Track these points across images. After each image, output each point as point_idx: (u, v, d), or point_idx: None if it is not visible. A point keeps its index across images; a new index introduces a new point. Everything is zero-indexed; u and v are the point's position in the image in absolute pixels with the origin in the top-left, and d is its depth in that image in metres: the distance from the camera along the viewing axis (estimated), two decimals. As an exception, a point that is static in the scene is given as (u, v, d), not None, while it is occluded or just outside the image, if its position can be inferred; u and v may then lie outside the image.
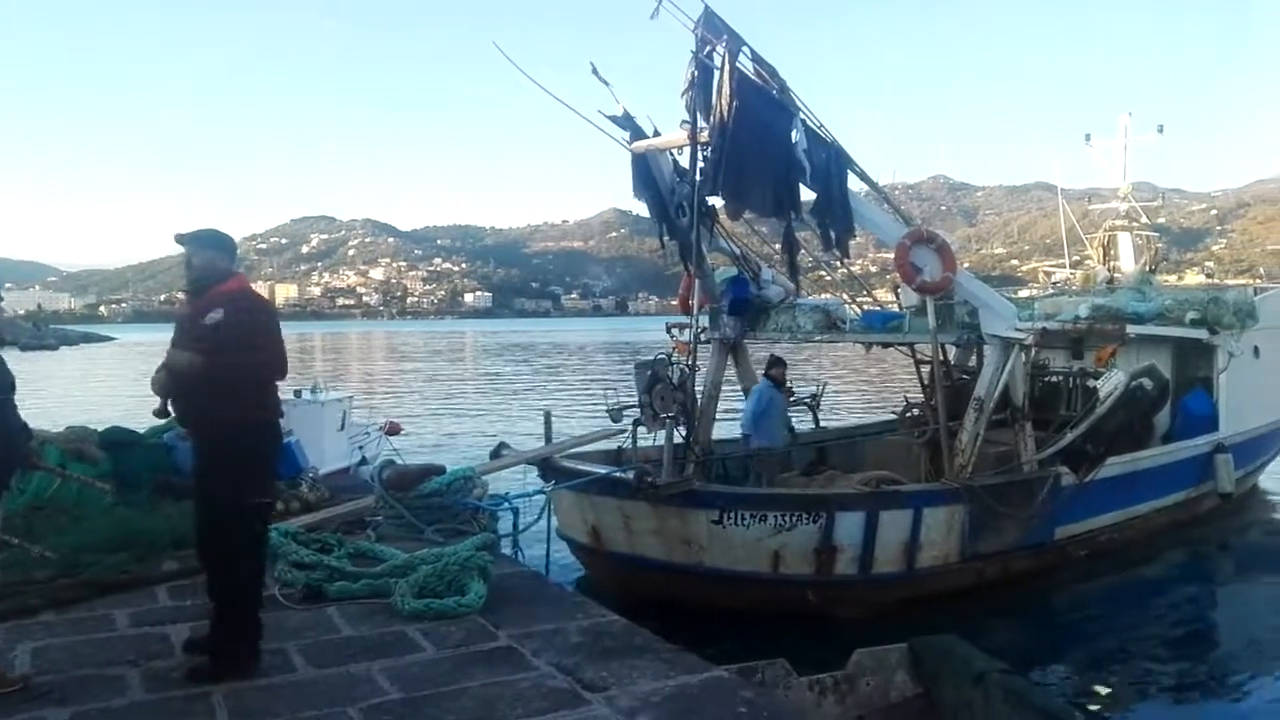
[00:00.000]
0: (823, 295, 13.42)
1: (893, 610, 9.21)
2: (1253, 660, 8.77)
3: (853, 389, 33.62)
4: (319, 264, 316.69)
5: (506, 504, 7.76)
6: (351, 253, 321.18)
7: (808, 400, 13.51)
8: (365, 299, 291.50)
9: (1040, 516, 10.45)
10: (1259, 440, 14.43)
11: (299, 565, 6.06)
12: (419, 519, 7.32)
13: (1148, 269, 16.19)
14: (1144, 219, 17.07)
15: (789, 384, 13.23)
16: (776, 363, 11.82)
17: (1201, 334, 12.84)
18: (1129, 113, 16.97)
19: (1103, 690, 8.05)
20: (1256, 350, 13.78)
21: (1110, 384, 10.98)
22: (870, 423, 15.36)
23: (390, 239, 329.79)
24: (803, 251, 11.38)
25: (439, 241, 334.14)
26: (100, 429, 9.12)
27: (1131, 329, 12.05)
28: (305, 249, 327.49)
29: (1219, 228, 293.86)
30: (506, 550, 7.64)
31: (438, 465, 8.07)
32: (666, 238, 10.61)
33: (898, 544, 9.52)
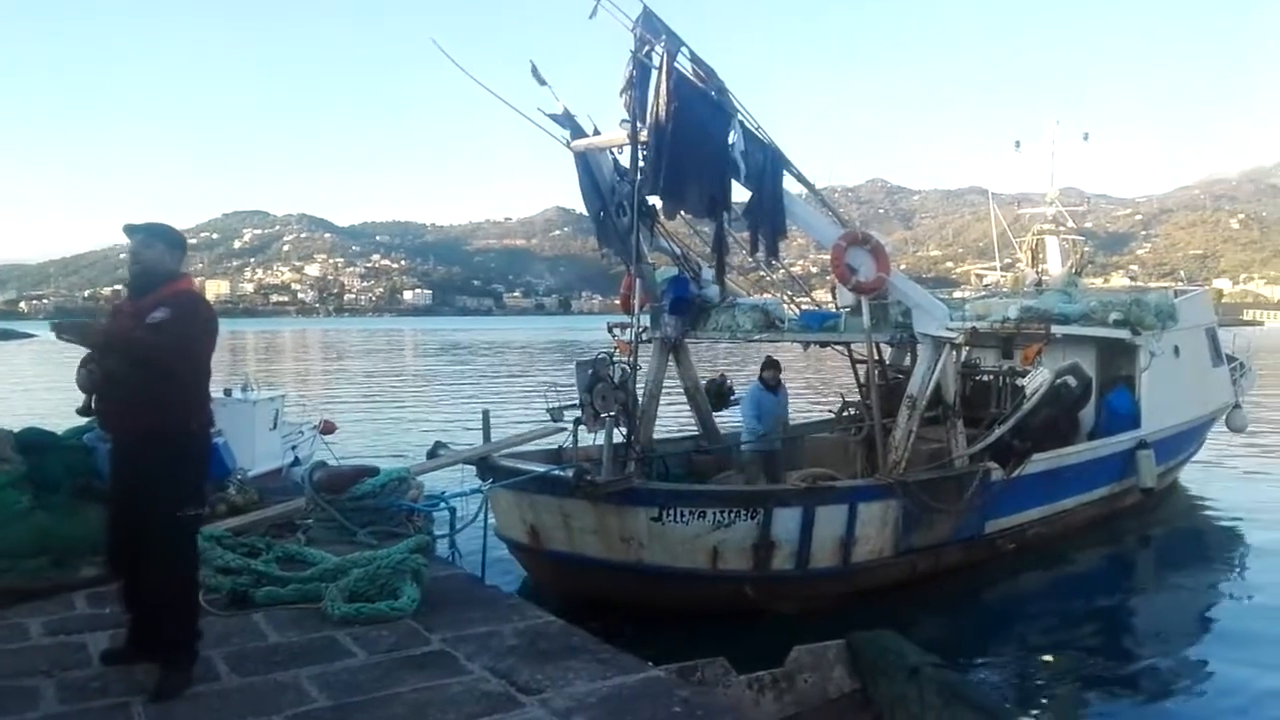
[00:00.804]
0: (762, 295, 13.52)
1: (830, 605, 9.33)
2: (1173, 650, 9.05)
3: (792, 388, 33.91)
4: (252, 260, 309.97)
5: (442, 505, 7.66)
6: (286, 248, 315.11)
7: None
8: (300, 296, 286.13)
9: (970, 511, 10.68)
10: (1179, 437, 14.86)
11: (224, 570, 5.89)
12: (351, 521, 7.17)
13: (1074, 272, 16.63)
14: (1070, 223, 17.53)
15: (729, 383, 13.34)
16: (770, 364, 11.82)
17: (1124, 334, 13.20)
18: (1057, 120, 17.43)
19: (1032, 681, 8.25)
20: (1176, 350, 14.20)
21: (1036, 382, 11.26)
22: (809, 421, 15.51)
23: (327, 235, 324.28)
24: (744, 252, 11.45)
25: (378, 238, 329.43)
26: (16, 429, 8.79)
27: (1057, 329, 12.38)
28: (238, 244, 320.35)
29: (1143, 232, 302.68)
30: (443, 552, 7.56)
31: (371, 466, 7.92)
32: (602, 240, 10.61)
33: (833, 539, 9.64)
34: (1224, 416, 17.00)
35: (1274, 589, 10.71)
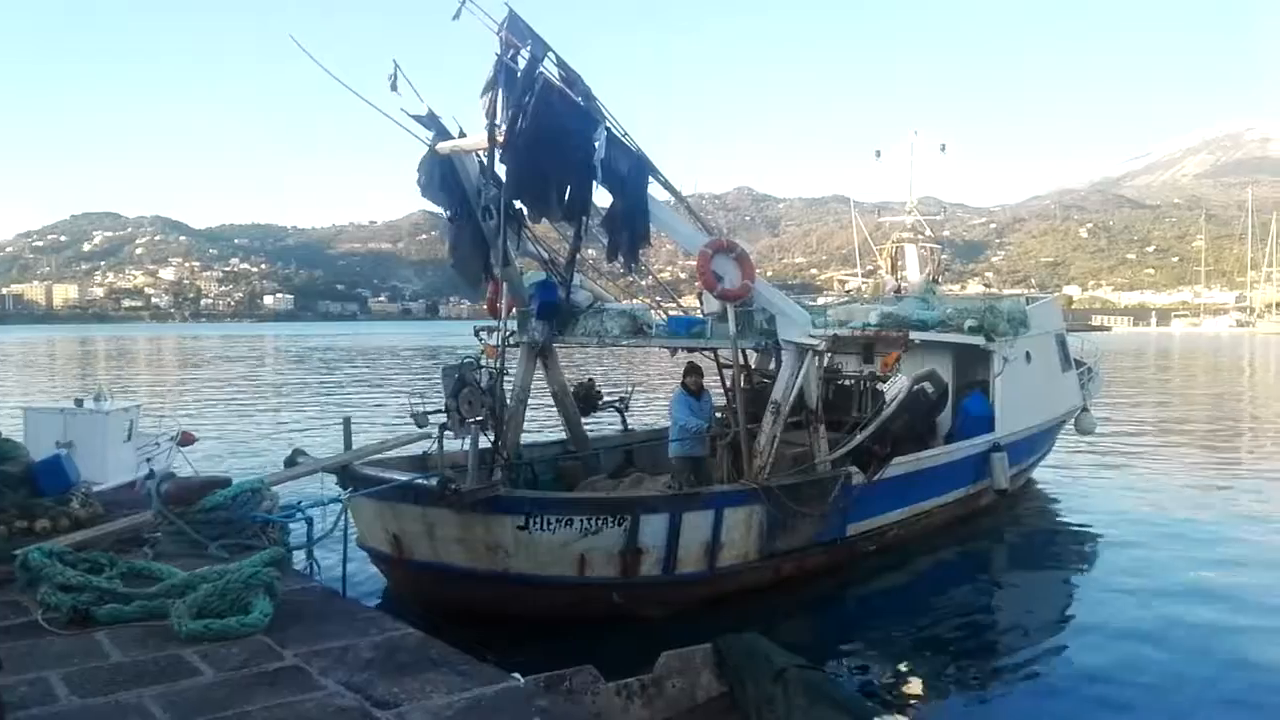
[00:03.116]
0: (631, 301, 13.59)
1: (696, 609, 9.43)
2: (1028, 643, 9.50)
3: (662, 392, 34.25)
4: (102, 263, 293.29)
5: (299, 515, 7.39)
6: (139, 251, 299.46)
7: (616, 404, 13.67)
8: (155, 301, 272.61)
9: (833, 514, 10.96)
10: (1031, 439, 15.60)
11: (64, 587, 5.53)
12: (202, 534, 6.85)
13: (931, 279, 17.29)
14: (928, 232, 18.21)
15: (598, 389, 13.36)
16: (692, 370, 11.76)
17: (979, 340, 13.78)
18: (915, 131, 18.13)
19: (894, 678, 8.52)
20: (1028, 355, 14.90)
21: (895, 388, 11.66)
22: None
23: (182, 237, 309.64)
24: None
25: (236, 241, 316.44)
26: None
27: (915, 335, 12.85)
28: (87, 247, 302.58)
29: (998, 240, 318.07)
30: (301, 565, 7.30)
31: (223, 477, 7.58)
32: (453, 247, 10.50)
33: (700, 544, 9.75)
34: (1073, 420, 17.90)
35: (1119, 582, 11.36)
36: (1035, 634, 9.80)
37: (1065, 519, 15.14)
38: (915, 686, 8.31)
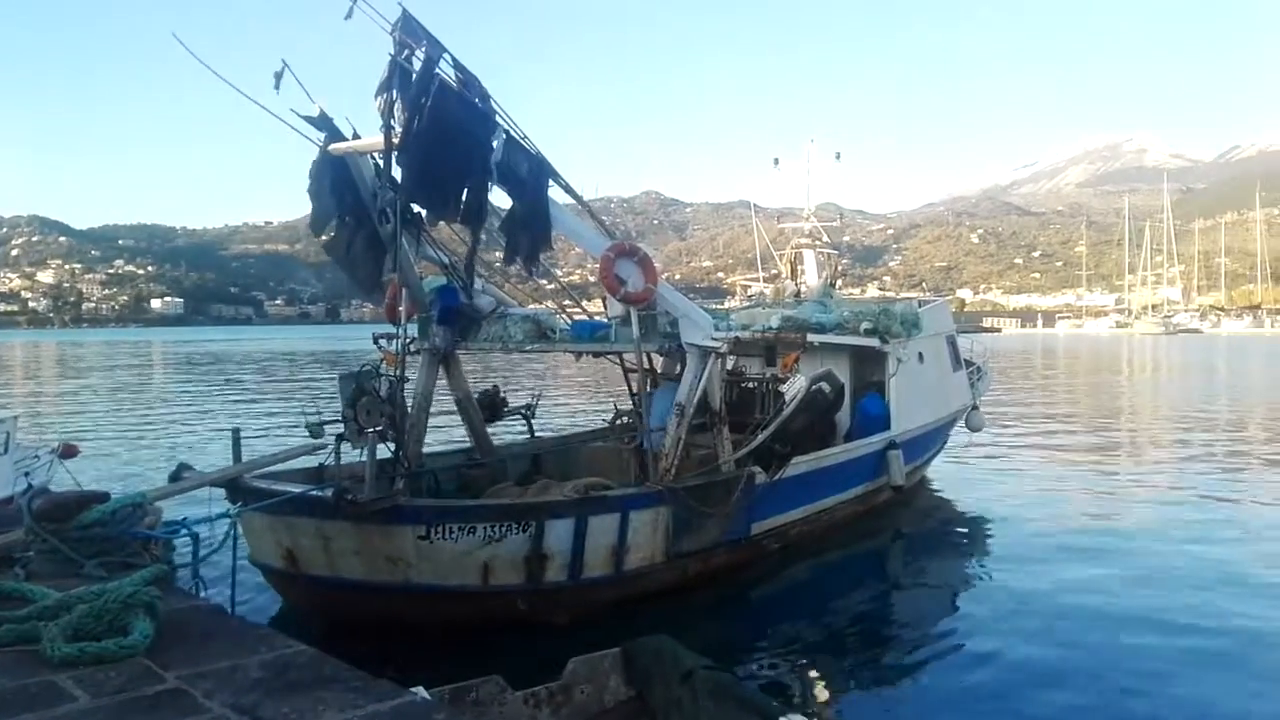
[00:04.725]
0: (534, 305, 13.49)
1: (603, 613, 9.39)
2: (928, 634, 9.71)
3: (570, 397, 34.16)
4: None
5: (184, 531, 7.05)
6: (15, 253, 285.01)
7: (522, 411, 13.52)
8: (32, 305, 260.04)
9: (737, 514, 11.04)
10: (925, 437, 16.03)
11: (-77, 613, 5.17)
12: (78, 553, 6.47)
13: (829, 283, 17.62)
14: (825, 238, 18.55)
15: (503, 395, 13.20)
16: None
17: (874, 342, 14.10)
18: (811, 139, 18.49)
19: (799, 676, 8.62)
20: (921, 356, 15.31)
21: (794, 389, 11.82)
22: (584, 430, 15.60)
23: (62, 238, 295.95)
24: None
25: (121, 242, 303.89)
26: None
27: (813, 338, 13.06)
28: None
29: (895, 246, 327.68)
30: (187, 583, 6.97)
31: (101, 491, 7.19)
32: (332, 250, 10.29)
33: (606, 547, 9.70)
34: (964, 417, 18.46)
35: (1010, 571, 11.75)
36: (933, 627, 10.03)
37: (958, 513, 15.58)
38: (821, 683, 8.42)
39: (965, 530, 14.56)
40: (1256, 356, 71.90)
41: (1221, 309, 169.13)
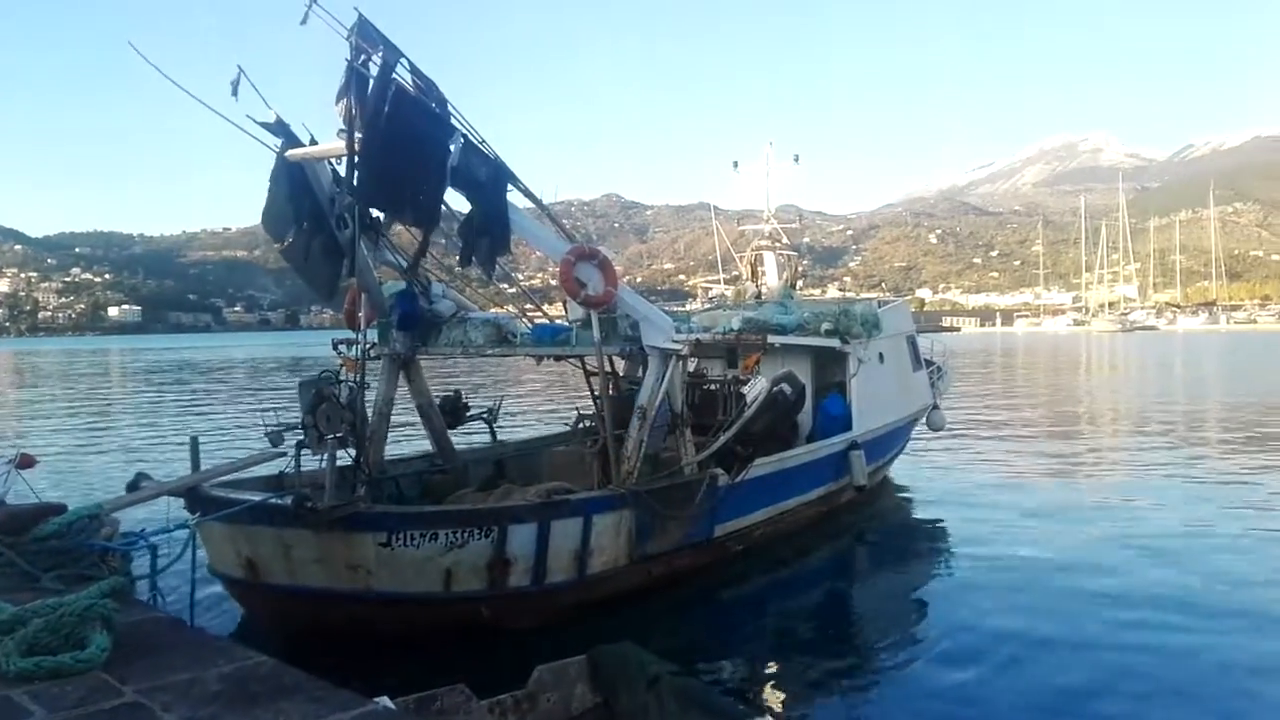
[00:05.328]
0: (495, 310, 13.46)
1: (568, 618, 9.38)
2: (889, 638, 9.76)
3: (533, 401, 34.07)
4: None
5: (142, 542, 6.97)
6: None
7: (484, 415, 13.49)
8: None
9: (700, 516, 11.09)
10: (886, 437, 16.17)
11: (-125, 631, 5.07)
12: (35, 566, 6.39)
13: (789, 285, 17.74)
14: (785, 239, 18.67)
15: (465, 400, 13.15)
16: None
17: (835, 343, 14.21)
18: (770, 142, 18.60)
19: (765, 680, 8.68)
20: (881, 356, 15.45)
21: (755, 390, 11.90)
22: (546, 435, 15.58)
23: (17, 246, 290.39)
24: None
25: (78, 249, 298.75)
26: None
27: (774, 339, 13.15)
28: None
29: (854, 247, 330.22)
30: (145, 594, 6.89)
31: (57, 503, 7.09)
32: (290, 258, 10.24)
33: (569, 551, 9.71)
34: (925, 417, 18.62)
35: (972, 569, 11.93)
36: (896, 626, 10.13)
37: (920, 512, 15.75)
38: (786, 686, 8.47)
39: (927, 529, 14.72)
40: (1211, 353, 73.35)
41: (1177, 306, 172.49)
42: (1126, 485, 17.66)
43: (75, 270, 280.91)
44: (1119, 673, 8.44)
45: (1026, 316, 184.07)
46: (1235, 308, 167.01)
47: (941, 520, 14.87)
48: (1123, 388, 43.10)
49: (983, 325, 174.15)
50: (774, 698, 8.20)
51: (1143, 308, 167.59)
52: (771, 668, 8.96)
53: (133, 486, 8.78)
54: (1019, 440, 24.51)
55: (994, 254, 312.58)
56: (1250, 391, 37.91)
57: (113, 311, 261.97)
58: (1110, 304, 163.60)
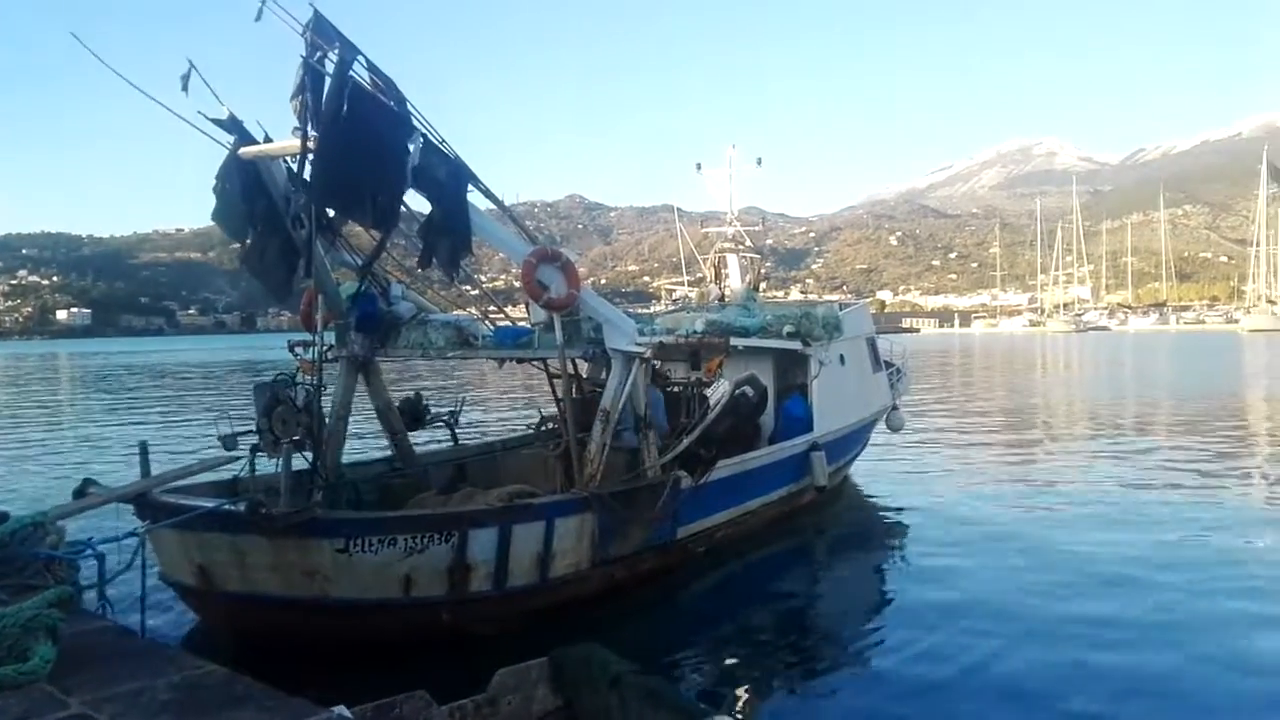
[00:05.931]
0: (457, 311, 13.32)
1: (530, 622, 9.28)
2: (851, 637, 9.81)
3: (495, 404, 33.86)
4: None
5: (89, 551, 6.78)
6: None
7: (445, 418, 13.34)
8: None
9: (663, 519, 11.04)
10: (847, 438, 16.26)
11: None
12: (-24, 576, 6.19)
13: (753, 287, 17.76)
14: (749, 242, 18.70)
15: (425, 403, 13.01)
16: None
17: (796, 345, 14.23)
18: (733, 145, 18.62)
19: (728, 679, 8.64)
20: (842, 358, 15.51)
21: (718, 392, 11.88)
22: (508, 437, 15.46)
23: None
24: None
25: (24, 251, 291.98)
26: None
27: (737, 341, 13.14)
28: None
29: (816, 249, 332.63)
30: (93, 604, 6.71)
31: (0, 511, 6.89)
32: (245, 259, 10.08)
33: (531, 555, 9.61)
34: (884, 417, 18.76)
35: (932, 567, 12.00)
36: (858, 625, 10.17)
37: (880, 511, 15.83)
38: (749, 686, 8.45)
39: (888, 528, 14.80)
40: (1161, 352, 74.83)
41: (1129, 307, 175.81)
42: (1082, 481, 17.91)
43: (22, 272, 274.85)
44: (1078, 667, 8.52)
45: (984, 317, 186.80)
46: (1184, 308, 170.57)
47: (901, 519, 14.97)
48: (1076, 387, 43.81)
49: (941, 326, 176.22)
50: (736, 695, 8.18)
51: (1096, 309, 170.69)
52: (733, 666, 8.94)
53: (80, 493, 8.54)
54: (977, 438, 24.80)
55: (952, 256, 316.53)
56: (1194, 388, 39.15)
57: (61, 315, 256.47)
58: (1065, 305, 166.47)
